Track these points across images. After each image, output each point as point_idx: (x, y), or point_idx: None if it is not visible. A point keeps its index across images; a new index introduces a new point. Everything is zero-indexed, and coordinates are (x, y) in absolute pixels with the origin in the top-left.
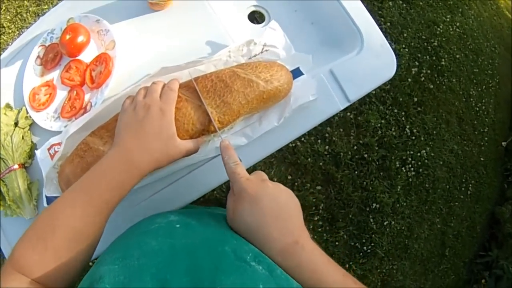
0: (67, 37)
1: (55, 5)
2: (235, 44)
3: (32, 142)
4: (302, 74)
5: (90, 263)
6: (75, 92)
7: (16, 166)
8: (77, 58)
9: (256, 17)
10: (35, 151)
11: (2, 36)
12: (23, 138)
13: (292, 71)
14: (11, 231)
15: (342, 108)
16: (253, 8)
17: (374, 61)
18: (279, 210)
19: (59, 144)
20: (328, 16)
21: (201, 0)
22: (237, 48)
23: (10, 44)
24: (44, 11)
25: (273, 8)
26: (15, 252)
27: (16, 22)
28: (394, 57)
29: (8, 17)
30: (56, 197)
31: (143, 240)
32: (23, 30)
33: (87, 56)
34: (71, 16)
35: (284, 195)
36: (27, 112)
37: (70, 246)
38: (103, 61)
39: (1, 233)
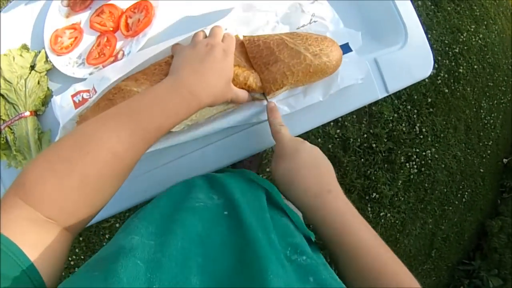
0: None
1: None
2: (282, 6)
3: (48, 88)
4: (351, 50)
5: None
6: (105, 38)
7: (27, 113)
8: (111, 2)
9: None
10: (52, 97)
11: None
12: (38, 83)
13: (341, 46)
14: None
15: (380, 97)
16: None
17: (414, 58)
18: (315, 165)
19: (88, 91)
20: (377, 6)
21: None
22: (285, 14)
23: None
24: None
25: None
26: (24, 177)
27: None
28: (432, 58)
29: None
30: None
31: (188, 219)
32: None
33: (122, 2)
34: None
35: (320, 154)
36: (47, 56)
37: (103, 174)
38: (143, 8)
39: (1, 187)
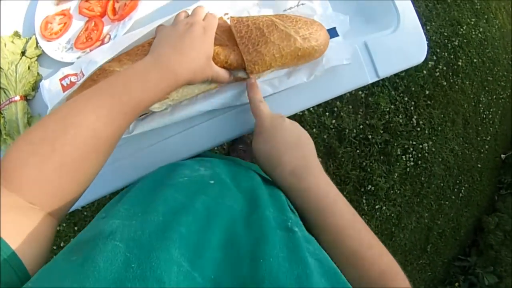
0: None
1: None
2: None
3: (38, 73)
4: (337, 35)
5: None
6: (93, 23)
7: (17, 98)
8: None
9: None
10: (41, 81)
11: None
12: (29, 68)
13: (328, 30)
14: None
15: (370, 81)
16: None
17: (406, 43)
18: (292, 141)
19: (75, 74)
20: None
21: None
22: None
23: None
24: None
25: None
26: (4, 162)
27: None
28: (426, 43)
29: None
30: None
31: (170, 194)
32: None
33: None
34: None
35: (298, 130)
36: (37, 42)
37: (83, 151)
38: None
39: None
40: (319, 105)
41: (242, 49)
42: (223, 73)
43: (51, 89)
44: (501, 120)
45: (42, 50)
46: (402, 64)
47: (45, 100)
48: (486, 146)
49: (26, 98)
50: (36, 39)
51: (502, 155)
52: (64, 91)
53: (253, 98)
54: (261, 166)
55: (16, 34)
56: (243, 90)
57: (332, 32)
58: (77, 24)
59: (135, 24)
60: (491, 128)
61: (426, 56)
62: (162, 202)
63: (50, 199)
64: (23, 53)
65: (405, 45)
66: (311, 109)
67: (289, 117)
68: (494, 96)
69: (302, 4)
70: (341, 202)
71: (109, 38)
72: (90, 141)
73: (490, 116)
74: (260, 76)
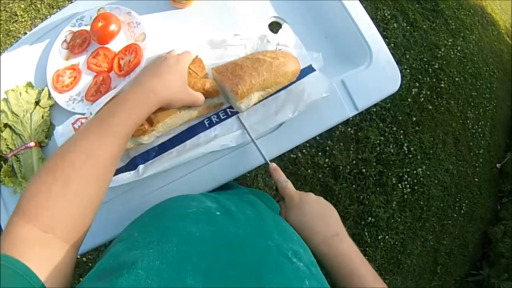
0: (99, 24)
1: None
2: (250, 39)
3: (51, 122)
4: (314, 70)
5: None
6: (101, 77)
7: (32, 144)
8: (105, 46)
9: (273, 29)
10: (55, 128)
11: (14, 24)
12: (42, 117)
13: (305, 68)
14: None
15: (351, 115)
16: (273, 19)
17: (381, 75)
18: (320, 213)
19: (86, 118)
20: (341, 31)
21: (223, 0)
22: (251, 45)
23: (22, 32)
24: (60, 3)
25: (291, 20)
26: (21, 198)
27: (30, 12)
28: (399, 73)
29: (22, 5)
30: None
31: (181, 224)
32: (36, 21)
33: (114, 45)
34: (100, 6)
35: (324, 203)
36: (49, 93)
37: (82, 175)
38: (133, 51)
39: (4, 211)
40: (311, 146)
41: (223, 79)
42: (200, 96)
43: (64, 133)
44: (492, 131)
45: (55, 101)
46: (379, 95)
47: (58, 144)
48: (481, 160)
49: (40, 144)
50: (48, 90)
51: (498, 165)
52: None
53: (278, 180)
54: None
55: (29, 84)
56: (241, 133)
57: (309, 69)
58: (86, 78)
59: None
60: (482, 141)
61: (401, 84)
62: (175, 233)
63: (61, 224)
64: (36, 103)
65: (379, 77)
66: (304, 151)
67: (282, 155)
68: (481, 110)
69: (280, 49)
70: (365, 265)
71: None
72: (86, 164)
73: (480, 129)
74: (247, 100)
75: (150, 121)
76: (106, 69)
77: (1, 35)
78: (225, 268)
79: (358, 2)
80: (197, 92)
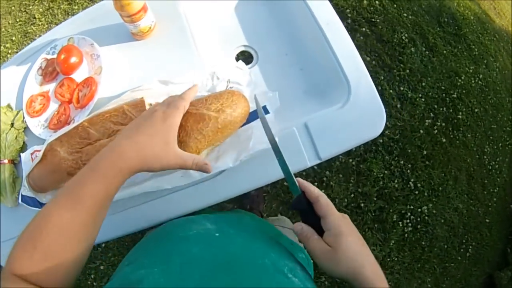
0: (62, 56)
1: (85, 7)
2: (199, 77)
3: (24, 142)
4: (268, 112)
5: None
6: (63, 107)
7: (5, 161)
8: (70, 76)
9: (241, 58)
10: (20, 154)
11: (32, 27)
12: (16, 138)
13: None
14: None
15: (310, 165)
16: (242, 48)
17: (358, 117)
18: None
19: (38, 151)
20: (318, 63)
21: (184, 31)
22: (201, 83)
23: (37, 35)
24: (74, 11)
25: (263, 49)
26: (10, 256)
27: (47, 16)
28: (384, 114)
29: (41, 9)
30: (29, 197)
31: (183, 246)
32: (51, 25)
33: (80, 75)
34: (78, 31)
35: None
36: (24, 117)
37: (59, 243)
38: (89, 84)
39: None
40: (308, 175)
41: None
42: (189, 158)
43: (26, 161)
44: (510, 168)
45: (27, 124)
46: (351, 142)
47: (23, 170)
48: (495, 199)
49: (13, 161)
50: (23, 114)
51: None
52: (32, 162)
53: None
54: (350, 273)
55: (9, 106)
56: (180, 177)
57: (263, 110)
58: (53, 106)
59: (92, 112)
60: (498, 179)
61: (384, 128)
62: (178, 254)
63: (43, 279)
64: (12, 124)
65: (357, 119)
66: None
67: (275, 182)
68: (500, 144)
69: (231, 87)
70: None
71: (73, 123)
72: (60, 234)
73: (497, 166)
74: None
75: None
76: (67, 100)
77: (19, 36)
78: (225, 286)
79: (341, 26)
80: (188, 154)
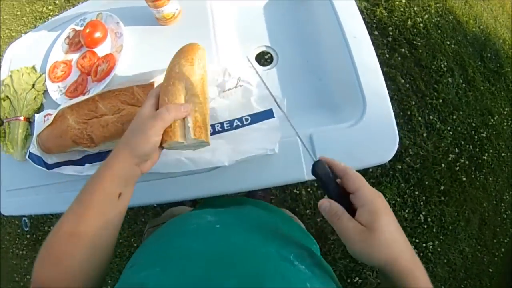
0: (87, 30)
1: None
2: (211, 72)
3: (42, 104)
4: (273, 116)
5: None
6: (82, 78)
7: (21, 118)
8: (93, 50)
9: (261, 58)
10: (36, 114)
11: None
12: (35, 98)
13: (264, 112)
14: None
15: (306, 179)
16: (263, 49)
17: (369, 139)
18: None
19: (51, 114)
20: (337, 75)
21: (208, 26)
22: (212, 78)
23: (77, 3)
24: None
25: (285, 52)
26: (33, 271)
27: None
28: (397, 141)
29: None
30: (36, 155)
31: (183, 241)
32: (67, 8)
33: (102, 50)
34: (108, 8)
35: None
36: (45, 80)
37: (69, 251)
38: (108, 60)
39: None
40: (318, 187)
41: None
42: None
43: (38, 121)
44: None
45: (46, 88)
46: (356, 163)
47: (35, 130)
48: (503, 249)
49: (28, 120)
50: (45, 78)
51: None
52: (43, 124)
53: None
54: (391, 250)
55: (34, 68)
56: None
57: (268, 113)
58: (73, 75)
59: (106, 88)
60: (511, 229)
61: (405, 155)
62: (176, 250)
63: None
64: (33, 85)
65: (366, 141)
66: (310, 189)
67: (285, 187)
68: None
69: (240, 85)
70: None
71: (88, 94)
72: (70, 242)
73: None
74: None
75: (92, 139)
76: (87, 72)
77: (63, 0)
78: (227, 278)
79: (369, 41)
80: (159, 109)
